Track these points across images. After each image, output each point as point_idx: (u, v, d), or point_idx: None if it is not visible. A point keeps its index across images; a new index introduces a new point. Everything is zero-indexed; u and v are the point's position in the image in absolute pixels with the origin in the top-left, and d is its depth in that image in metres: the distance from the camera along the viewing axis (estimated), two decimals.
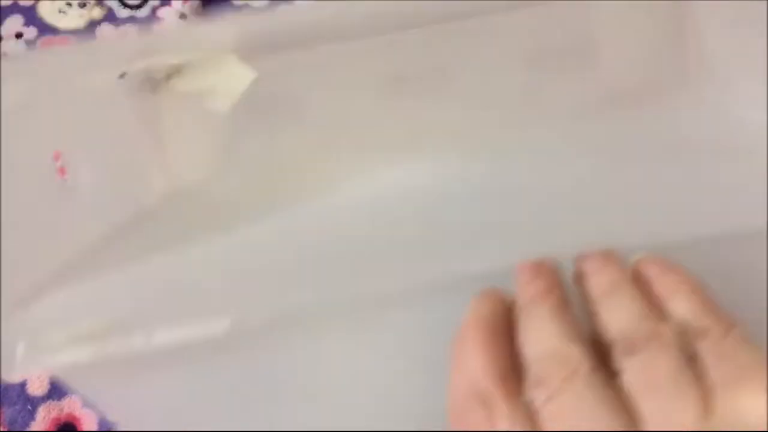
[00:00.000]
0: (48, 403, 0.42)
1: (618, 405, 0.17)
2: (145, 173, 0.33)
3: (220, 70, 0.31)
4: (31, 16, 0.56)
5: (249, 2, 0.57)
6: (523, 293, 0.21)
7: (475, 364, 0.19)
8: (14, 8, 0.56)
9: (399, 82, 0.34)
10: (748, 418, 0.16)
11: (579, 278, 0.22)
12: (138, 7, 0.56)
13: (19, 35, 0.55)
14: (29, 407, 0.42)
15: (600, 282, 0.21)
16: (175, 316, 0.23)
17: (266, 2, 0.57)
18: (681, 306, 0.19)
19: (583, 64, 0.33)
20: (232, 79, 0.31)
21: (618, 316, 0.19)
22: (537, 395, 0.18)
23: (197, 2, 0.56)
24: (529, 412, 0.18)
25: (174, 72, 0.32)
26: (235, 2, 0.57)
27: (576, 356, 0.18)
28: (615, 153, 0.28)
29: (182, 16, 0.55)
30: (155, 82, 0.32)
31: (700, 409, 0.17)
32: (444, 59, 0.33)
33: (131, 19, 0.56)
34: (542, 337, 0.19)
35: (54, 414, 0.42)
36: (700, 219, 0.22)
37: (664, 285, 0.20)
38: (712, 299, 0.19)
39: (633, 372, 0.18)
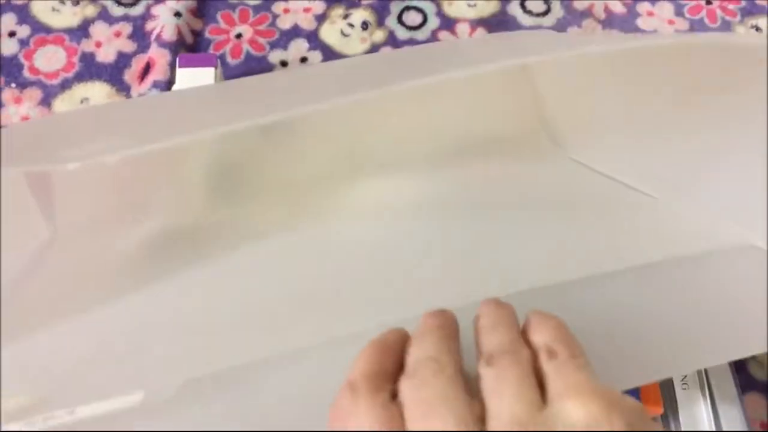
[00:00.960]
0: None
1: (471, 401, 0.21)
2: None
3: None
4: (24, 14, 0.55)
5: (245, 1, 0.57)
6: (420, 327, 0.25)
7: (354, 366, 0.23)
8: (7, 6, 0.55)
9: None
10: (570, 420, 0.20)
11: (476, 318, 0.26)
12: (132, 5, 0.56)
13: (12, 34, 0.54)
14: None
15: (487, 320, 0.25)
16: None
17: (261, 1, 0.57)
18: (542, 336, 0.23)
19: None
20: None
21: (490, 340, 0.24)
22: (407, 385, 0.22)
23: (193, 1, 0.56)
24: (388, 403, 0.22)
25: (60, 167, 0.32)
26: (230, 0, 0.57)
27: (446, 361, 0.22)
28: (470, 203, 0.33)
29: (177, 14, 0.54)
30: None
31: (534, 408, 0.20)
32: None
33: (125, 18, 0.56)
34: (423, 347, 0.23)
35: None
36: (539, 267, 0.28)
37: (533, 322, 0.25)
38: (570, 334, 0.23)
39: (487, 378, 0.22)
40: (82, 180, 0.34)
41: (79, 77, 0.53)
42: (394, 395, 0.22)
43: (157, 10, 0.56)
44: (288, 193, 0.36)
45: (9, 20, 0.55)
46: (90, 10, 0.56)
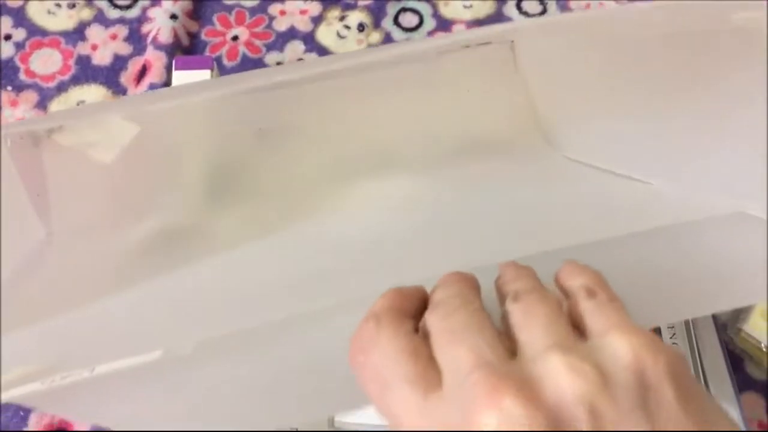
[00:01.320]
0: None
1: (501, 333, 0.21)
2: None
3: (102, 124, 0.33)
4: (20, 17, 0.55)
5: (240, 1, 0.57)
6: (440, 280, 0.25)
7: (376, 303, 0.23)
8: (3, 9, 0.55)
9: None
10: (616, 354, 0.19)
11: (497, 279, 0.25)
12: (128, 7, 0.56)
13: (8, 37, 0.54)
14: (21, 413, 0.41)
15: (509, 274, 0.24)
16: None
17: (257, 1, 0.57)
18: (580, 280, 0.23)
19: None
20: (115, 133, 0.33)
21: (514, 286, 0.23)
22: (432, 316, 0.21)
23: (188, 2, 0.56)
24: (411, 333, 0.21)
25: (56, 127, 0.32)
26: (225, 1, 0.57)
27: (472, 297, 0.22)
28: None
29: (173, 16, 0.54)
30: (35, 138, 0.33)
31: (572, 338, 0.20)
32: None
33: (121, 20, 0.56)
34: (448, 288, 0.23)
35: (46, 420, 0.42)
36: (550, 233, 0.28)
37: (569, 269, 0.24)
38: (606, 282, 0.23)
39: (515, 313, 0.21)
40: (78, 180, 0.34)
41: (75, 80, 0.53)
42: (416, 331, 0.22)
43: (153, 12, 0.55)
44: (284, 194, 0.37)
45: (5, 23, 0.55)
46: (86, 13, 0.56)
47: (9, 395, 0.24)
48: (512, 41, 0.38)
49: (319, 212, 0.35)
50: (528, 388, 0.18)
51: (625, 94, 0.33)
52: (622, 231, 0.26)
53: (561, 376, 0.18)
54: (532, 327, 0.20)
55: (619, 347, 0.19)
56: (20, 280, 0.30)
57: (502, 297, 0.23)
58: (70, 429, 0.42)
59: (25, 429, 0.41)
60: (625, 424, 0.17)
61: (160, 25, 0.54)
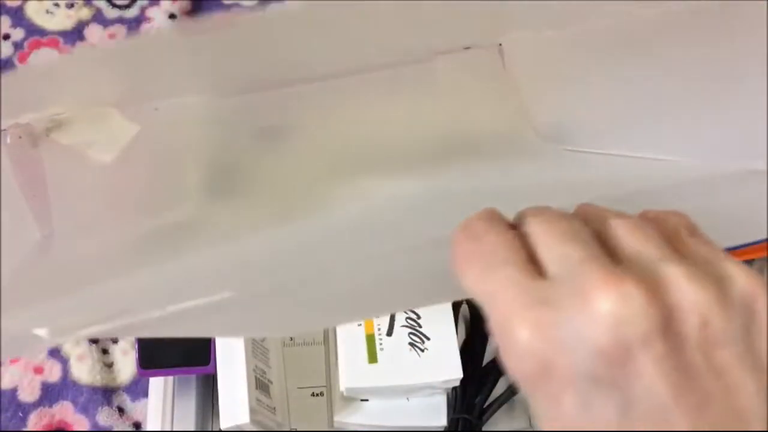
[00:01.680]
0: (39, 409, 0.42)
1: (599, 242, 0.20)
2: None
3: (101, 123, 0.33)
4: (18, 17, 0.55)
5: (239, 2, 0.57)
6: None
7: (472, 217, 0.23)
8: (1, 9, 0.55)
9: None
10: (740, 282, 0.18)
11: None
12: (127, 7, 0.56)
13: (6, 36, 0.54)
14: (20, 413, 0.41)
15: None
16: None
17: (256, 2, 0.57)
18: (674, 219, 0.22)
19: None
20: (114, 132, 0.33)
21: (612, 214, 0.22)
22: (534, 222, 0.21)
23: (187, 2, 0.56)
24: (503, 237, 0.21)
25: (54, 126, 0.33)
26: (225, 1, 0.57)
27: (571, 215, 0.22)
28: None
29: (171, 16, 0.54)
30: (34, 137, 0.33)
31: (688, 257, 0.19)
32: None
33: (120, 20, 0.55)
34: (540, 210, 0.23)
35: (46, 420, 0.42)
36: None
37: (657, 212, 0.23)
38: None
39: (622, 227, 0.21)
40: (78, 179, 0.34)
41: None
42: None
43: (151, 12, 0.55)
44: (282, 192, 0.37)
45: (3, 23, 0.55)
46: (84, 13, 0.56)
47: (72, 335, 0.24)
48: (500, 44, 0.38)
49: (317, 211, 0.35)
50: (647, 282, 0.18)
51: (621, 74, 0.33)
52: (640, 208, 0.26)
53: (683, 282, 0.18)
54: (645, 240, 0.20)
55: (734, 273, 0.19)
56: (20, 281, 0.30)
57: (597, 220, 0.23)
58: (69, 429, 0.42)
59: (24, 429, 0.41)
60: (729, 344, 0.18)
61: (158, 25, 0.54)
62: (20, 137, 0.32)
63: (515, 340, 0.18)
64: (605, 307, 0.17)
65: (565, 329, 0.18)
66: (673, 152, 0.33)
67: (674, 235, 0.21)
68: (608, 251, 0.20)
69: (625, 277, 0.18)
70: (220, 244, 0.33)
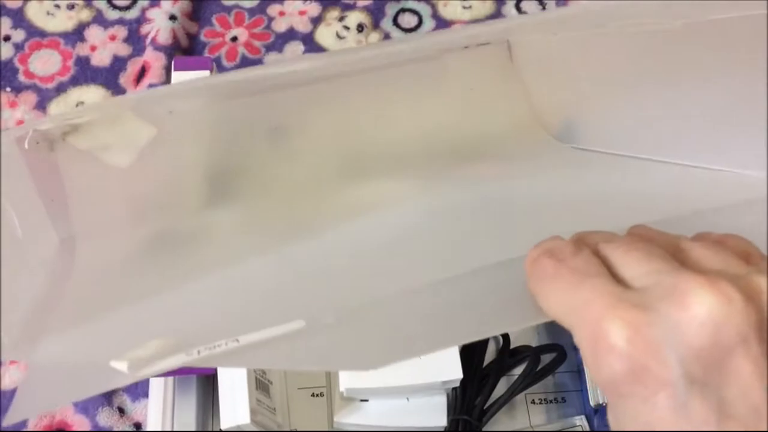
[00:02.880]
0: None
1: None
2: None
3: (118, 126, 0.33)
4: (19, 18, 0.55)
5: (239, 2, 0.57)
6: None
7: (552, 240, 0.23)
8: (2, 10, 0.55)
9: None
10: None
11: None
12: (127, 8, 0.56)
13: (7, 38, 0.54)
14: None
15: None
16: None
17: (256, 2, 0.57)
18: (733, 241, 0.22)
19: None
20: (131, 134, 0.33)
21: (683, 238, 0.23)
22: (608, 247, 0.22)
23: (188, 3, 0.56)
24: (589, 256, 0.21)
25: (71, 130, 0.33)
26: (225, 2, 0.57)
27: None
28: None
29: (172, 17, 0.54)
30: (51, 141, 0.33)
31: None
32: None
33: (120, 21, 0.56)
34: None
35: (46, 420, 0.42)
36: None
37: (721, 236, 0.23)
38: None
39: (697, 249, 0.21)
40: (92, 181, 0.34)
41: (75, 81, 0.53)
42: None
43: (152, 13, 0.55)
44: (288, 194, 0.37)
45: (4, 24, 0.55)
46: (85, 14, 0.56)
47: (152, 370, 0.24)
48: (508, 40, 0.38)
49: (323, 212, 0.35)
50: (740, 287, 0.18)
51: (633, 78, 0.33)
52: (653, 215, 0.26)
53: None
54: (727, 257, 0.20)
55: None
56: (45, 287, 0.30)
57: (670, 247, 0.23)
58: (69, 429, 0.42)
59: (24, 429, 0.41)
60: None
61: (159, 26, 0.54)
62: (38, 142, 0.32)
63: (610, 342, 0.18)
64: (703, 308, 0.18)
65: (661, 330, 0.18)
66: (681, 156, 0.33)
67: (745, 254, 0.21)
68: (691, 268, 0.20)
69: (721, 280, 0.18)
70: (222, 255, 0.33)
